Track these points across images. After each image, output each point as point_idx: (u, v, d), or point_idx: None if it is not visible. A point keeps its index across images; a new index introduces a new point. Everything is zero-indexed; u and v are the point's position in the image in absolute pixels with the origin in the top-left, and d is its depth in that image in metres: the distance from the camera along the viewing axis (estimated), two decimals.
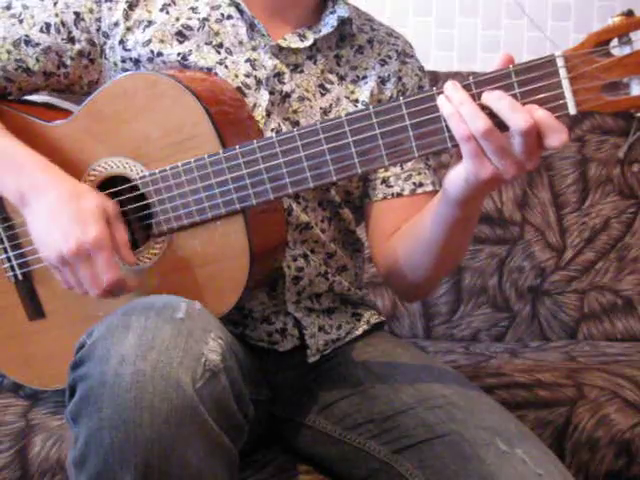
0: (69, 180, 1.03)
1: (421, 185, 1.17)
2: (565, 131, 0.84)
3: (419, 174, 1.18)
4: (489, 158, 0.86)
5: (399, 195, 1.17)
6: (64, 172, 1.03)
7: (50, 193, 1.01)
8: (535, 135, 0.84)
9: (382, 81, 1.18)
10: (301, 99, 1.12)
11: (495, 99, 0.85)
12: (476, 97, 0.86)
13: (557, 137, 0.83)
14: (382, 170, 1.16)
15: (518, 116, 0.83)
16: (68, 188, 1.01)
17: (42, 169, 1.03)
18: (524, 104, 0.84)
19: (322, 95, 1.14)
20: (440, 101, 0.88)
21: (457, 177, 0.91)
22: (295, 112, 1.12)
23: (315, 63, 1.14)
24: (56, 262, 0.99)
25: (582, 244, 1.84)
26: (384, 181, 1.17)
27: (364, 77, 1.17)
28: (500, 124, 0.85)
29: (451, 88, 0.87)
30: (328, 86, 1.15)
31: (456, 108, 0.86)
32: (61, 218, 0.99)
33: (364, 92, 1.16)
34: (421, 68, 1.23)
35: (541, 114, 0.84)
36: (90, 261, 0.97)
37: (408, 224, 1.12)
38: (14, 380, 1.20)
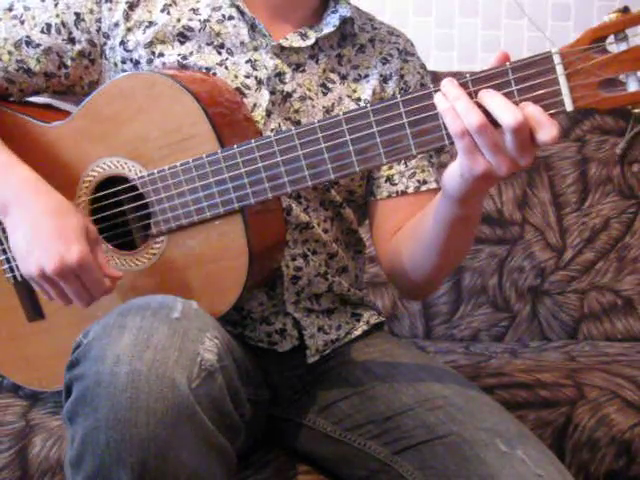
0: (54, 196, 1.02)
1: (425, 183, 1.17)
2: (555, 126, 0.84)
3: (423, 171, 1.18)
4: (482, 154, 0.86)
5: (403, 193, 1.17)
6: (51, 187, 1.03)
7: (33, 207, 1.01)
8: (526, 132, 0.84)
9: (384, 79, 1.18)
10: (302, 99, 1.12)
11: (487, 96, 0.85)
12: (473, 95, 0.86)
13: (547, 132, 0.83)
14: (386, 168, 1.16)
15: (508, 113, 0.83)
16: (52, 204, 1.01)
17: (28, 182, 1.03)
18: (521, 101, 0.85)
19: (324, 94, 1.14)
20: (437, 98, 0.88)
21: (453, 173, 0.91)
22: (296, 112, 1.12)
23: (317, 62, 1.14)
24: (37, 278, 0.99)
25: (582, 244, 1.84)
26: (388, 179, 1.17)
27: (366, 76, 1.17)
28: (495, 121, 0.85)
29: (447, 84, 0.87)
30: (330, 85, 1.15)
31: (451, 103, 0.86)
32: (42, 234, 0.98)
33: (366, 91, 1.16)
34: (423, 66, 1.23)
35: (531, 110, 0.84)
36: (77, 278, 0.98)
37: (411, 223, 1.12)
38: (13, 381, 1.20)
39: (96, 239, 1.02)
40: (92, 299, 1.01)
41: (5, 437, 1.13)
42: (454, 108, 0.86)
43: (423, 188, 1.17)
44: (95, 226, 1.04)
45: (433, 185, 1.18)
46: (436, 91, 0.88)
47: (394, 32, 1.23)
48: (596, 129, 1.88)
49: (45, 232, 0.98)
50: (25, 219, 1.01)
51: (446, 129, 0.88)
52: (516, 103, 0.84)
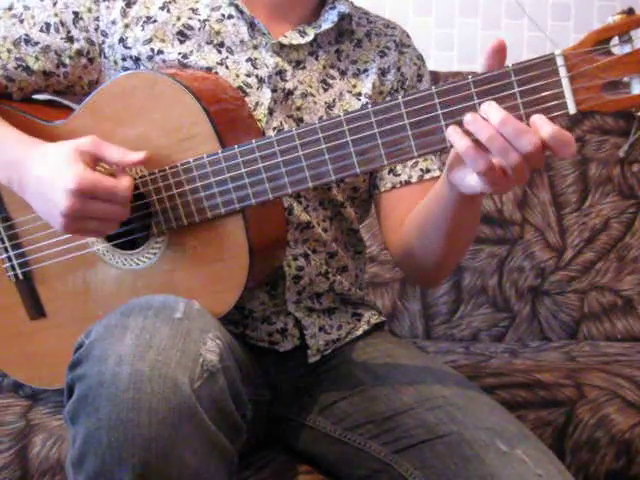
0: (42, 147, 1.03)
1: (428, 171, 1.18)
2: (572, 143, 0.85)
3: (425, 160, 1.18)
4: (508, 178, 0.87)
5: (407, 183, 1.17)
6: (37, 140, 1.04)
7: (29, 171, 1.01)
8: (542, 152, 0.85)
9: (382, 73, 1.18)
10: (304, 95, 1.13)
11: (500, 123, 0.84)
12: (475, 97, 0.86)
13: (566, 150, 0.84)
14: None
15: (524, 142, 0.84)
16: (40, 154, 1.01)
17: (21, 147, 1.04)
18: (524, 103, 0.84)
19: (325, 90, 1.14)
20: (454, 135, 0.87)
21: (471, 187, 0.91)
22: (299, 109, 1.12)
23: (317, 59, 1.15)
24: (65, 223, 0.98)
25: (582, 244, 1.84)
26: (391, 170, 1.17)
27: (365, 70, 1.17)
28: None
29: (471, 121, 0.86)
30: (330, 81, 1.15)
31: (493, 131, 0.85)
32: (44, 185, 0.99)
33: (366, 85, 1.16)
34: (419, 57, 1.23)
35: (548, 131, 0.83)
36: (94, 197, 0.97)
37: (416, 209, 1.11)
38: (15, 379, 1.20)
39: (93, 149, 0.99)
40: (125, 207, 0.99)
41: (5, 437, 1.12)
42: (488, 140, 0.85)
43: (427, 176, 1.17)
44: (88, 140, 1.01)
45: (436, 173, 1.18)
46: (437, 93, 0.87)
47: (389, 24, 1.23)
48: (596, 129, 1.88)
49: (46, 183, 0.98)
50: (31, 185, 1.01)
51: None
52: (518, 106, 0.84)
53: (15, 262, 1.13)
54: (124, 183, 0.98)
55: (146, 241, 1.06)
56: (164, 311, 0.86)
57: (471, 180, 0.90)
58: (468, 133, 0.86)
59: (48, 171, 0.98)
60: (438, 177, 1.16)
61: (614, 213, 1.85)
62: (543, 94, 0.83)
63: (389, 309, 1.79)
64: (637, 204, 1.86)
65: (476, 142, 0.85)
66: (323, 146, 0.94)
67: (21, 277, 1.13)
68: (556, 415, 1.29)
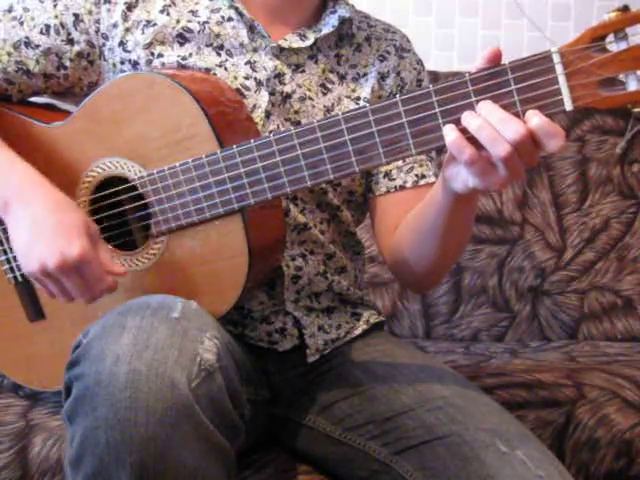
0: (54, 192, 1.02)
1: (423, 177, 1.18)
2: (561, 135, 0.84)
3: (421, 166, 1.18)
4: (499, 171, 0.87)
5: (402, 188, 1.17)
6: (52, 184, 1.03)
7: (35, 203, 1.01)
8: (530, 143, 0.84)
9: (382, 77, 1.18)
10: (302, 99, 1.12)
11: (487, 112, 0.85)
12: (472, 94, 0.86)
13: (554, 142, 0.84)
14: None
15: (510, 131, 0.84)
16: (53, 200, 1.01)
17: (29, 179, 1.03)
18: (521, 101, 0.84)
19: (324, 94, 1.14)
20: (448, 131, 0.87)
21: (464, 182, 0.91)
22: (296, 112, 1.12)
23: (316, 62, 1.15)
24: (39, 274, 0.99)
25: (582, 244, 1.84)
26: (386, 174, 1.17)
27: (364, 75, 1.17)
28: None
29: (469, 117, 0.86)
30: (329, 85, 1.15)
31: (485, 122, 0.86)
32: (45, 230, 0.99)
33: (365, 89, 1.16)
34: (419, 61, 1.23)
35: (536, 121, 0.83)
36: (79, 273, 0.98)
37: (410, 214, 1.12)
38: (14, 381, 1.20)
39: (96, 235, 1.02)
40: (94, 296, 1.01)
41: (5, 437, 1.13)
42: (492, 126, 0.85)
43: (422, 182, 1.17)
44: (95, 225, 1.04)
45: (432, 179, 1.18)
46: (435, 91, 0.88)
47: (390, 29, 1.23)
48: (596, 129, 1.88)
49: (46, 228, 0.98)
50: (26, 216, 1.01)
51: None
52: (515, 103, 0.84)
53: (14, 264, 1.13)
54: (111, 281, 1.01)
55: (145, 242, 1.06)
56: (162, 310, 0.86)
57: (463, 174, 0.90)
58: (464, 131, 0.86)
59: (57, 219, 0.99)
60: (433, 183, 1.16)
61: (614, 213, 1.85)
62: (540, 91, 0.84)
63: (389, 309, 1.79)
64: (637, 204, 1.86)
65: (469, 139, 0.86)
66: (321, 145, 0.94)
67: (20, 279, 1.13)
68: (556, 415, 1.29)
